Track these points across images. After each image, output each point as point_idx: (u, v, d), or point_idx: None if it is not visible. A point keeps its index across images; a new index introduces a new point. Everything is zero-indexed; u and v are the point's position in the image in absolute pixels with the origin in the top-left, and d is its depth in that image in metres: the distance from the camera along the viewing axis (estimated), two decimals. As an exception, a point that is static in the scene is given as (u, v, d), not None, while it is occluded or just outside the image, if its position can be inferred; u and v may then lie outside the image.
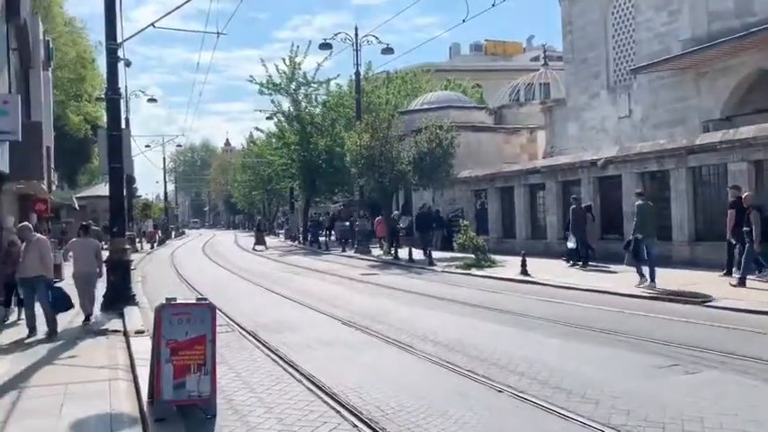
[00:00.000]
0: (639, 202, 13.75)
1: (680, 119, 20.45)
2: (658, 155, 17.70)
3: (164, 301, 6.07)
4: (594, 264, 17.66)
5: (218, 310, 11.70)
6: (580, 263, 17.69)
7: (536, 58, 55.44)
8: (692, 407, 5.59)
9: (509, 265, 18.33)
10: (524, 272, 16.21)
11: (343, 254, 28.87)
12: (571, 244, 18.17)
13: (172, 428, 5.52)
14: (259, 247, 36.08)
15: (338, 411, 5.87)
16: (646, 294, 12.31)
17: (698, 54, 19.09)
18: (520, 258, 16.81)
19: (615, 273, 15.72)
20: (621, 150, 19.34)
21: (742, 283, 12.35)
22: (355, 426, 5.47)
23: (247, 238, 52.35)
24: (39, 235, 10.58)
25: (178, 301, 6.18)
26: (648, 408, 5.58)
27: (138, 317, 11.58)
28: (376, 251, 27.45)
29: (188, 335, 5.91)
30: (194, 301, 6.39)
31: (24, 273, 10.27)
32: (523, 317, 10.65)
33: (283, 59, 37.79)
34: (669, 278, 13.62)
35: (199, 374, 5.86)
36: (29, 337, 9.93)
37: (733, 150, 15.70)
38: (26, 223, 11.58)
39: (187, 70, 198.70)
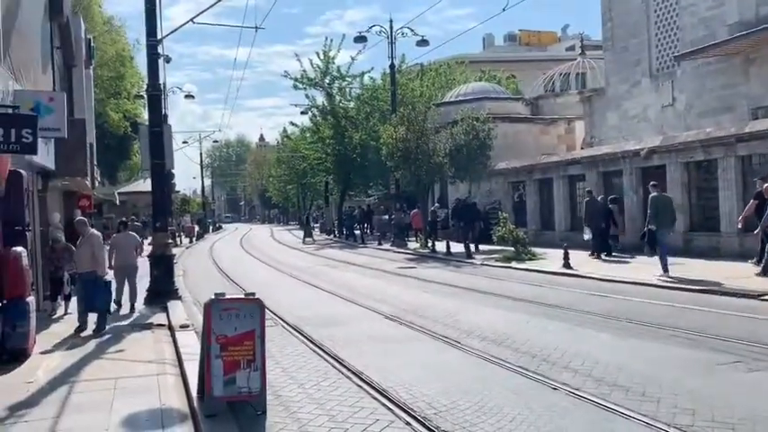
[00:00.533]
0: (654, 194, 13.93)
1: (727, 106, 19.77)
2: (705, 143, 17.16)
3: (212, 296, 6.05)
4: (618, 255, 17.82)
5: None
6: (603, 254, 17.80)
7: (571, 48, 54.44)
8: (761, 406, 5.35)
9: (550, 258, 18.04)
10: (567, 265, 15.89)
11: (380, 247, 28.79)
12: (587, 236, 18.26)
13: (223, 425, 5.47)
14: (308, 240, 36.73)
15: (390, 408, 5.77)
16: (694, 288, 11.93)
17: (747, 39, 18.38)
18: (560, 251, 16.56)
19: (642, 264, 15.34)
20: (666, 140, 18.80)
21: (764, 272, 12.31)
22: (408, 423, 5.37)
23: (282, 233, 52.71)
24: (93, 230, 10.76)
25: (227, 296, 6.16)
26: (714, 407, 5.35)
27: (181, 311, 11.69)
28: (412, 244, 27.32)
29: (237, 330, 5.85)
30: (243, 296, 6.35)
31: (78, 268, 10.50)
32: (570, 311, 10.40)
33: (317, 54, 37.87)
34: (714, 270, 13.31)
35: (249, 370, 5.81)
36: (78, 331, 10.07)
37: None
38: (82, 218, 11.82)
39: (221, 67, 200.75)
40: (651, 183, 14.87)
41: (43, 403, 6.42)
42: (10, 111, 7.57)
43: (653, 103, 23.15)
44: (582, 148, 26.97)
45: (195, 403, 6.05)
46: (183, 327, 10.10)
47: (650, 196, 14.01)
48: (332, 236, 42.08)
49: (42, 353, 8.65)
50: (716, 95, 20.24)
